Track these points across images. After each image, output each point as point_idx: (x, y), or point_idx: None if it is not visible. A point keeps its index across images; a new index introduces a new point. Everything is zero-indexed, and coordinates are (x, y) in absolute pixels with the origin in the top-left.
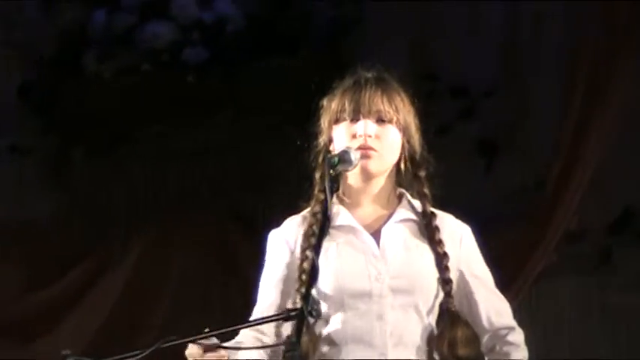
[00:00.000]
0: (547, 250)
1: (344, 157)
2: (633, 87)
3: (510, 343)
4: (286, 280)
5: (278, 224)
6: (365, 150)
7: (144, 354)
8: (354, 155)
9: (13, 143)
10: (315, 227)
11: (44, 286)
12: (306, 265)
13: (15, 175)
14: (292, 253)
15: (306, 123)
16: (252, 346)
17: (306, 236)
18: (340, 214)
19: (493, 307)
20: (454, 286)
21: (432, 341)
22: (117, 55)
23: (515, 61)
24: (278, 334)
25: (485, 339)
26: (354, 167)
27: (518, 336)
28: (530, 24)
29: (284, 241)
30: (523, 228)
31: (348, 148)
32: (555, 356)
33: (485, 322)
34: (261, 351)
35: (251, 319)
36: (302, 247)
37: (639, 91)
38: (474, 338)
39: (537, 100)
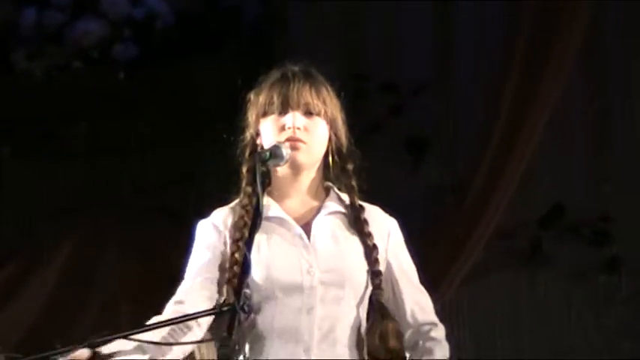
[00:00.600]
0: (475, 248)
1: (275, 152)
2: (564, 85)
3: (433, 339)
4: (212, 265)
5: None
6: (294, 142)
7: (74, 350)
8: (285, 150)
9: None
10: (246, 218)
11: None
12: (237, 256)
13: None
14: (220, 237)
15: (234, 118)
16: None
17: (237, 227)
18: (270, 206)
19: (417, 303)
20: (384, 279)
21: (362, 334)
22: (47, 53)
23: (445, 59)
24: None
25: (408, 334)
26: (285, 162)
27: (440, 332)
28: (462, 21)
29: (212, 227)
30: (450, 226)
31: (279, 142)
32: (487, 353)
33: (409, 318)
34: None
35: (172, 303)
36: (233, 238)
37: (570, 88)
38: (399, 331)
39: (467, 97)
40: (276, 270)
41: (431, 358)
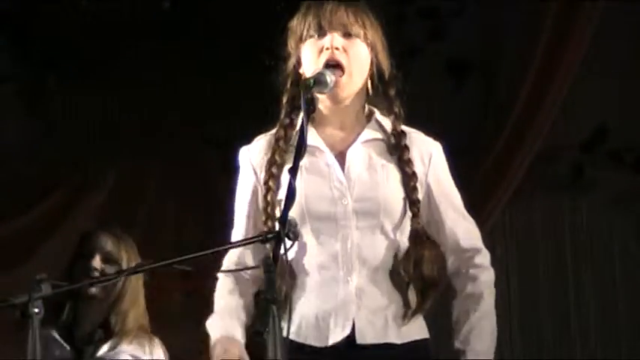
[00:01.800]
0: (518, 172)
1: (320, 79)
2: (607, 5)
3: (476, 266)
4: (256, 210)
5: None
6: (333, 63)
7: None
8: (330, 77)
9: None
10: (277, 155)
11: (20, 213)
12: (269, 197)
13: None
14: (257, 175)
15: (275, 46)
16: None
17: (269, 165)
18: (309, 134)
19: (460, 228)
20: (424, 204)
21: (399, 261)
22: None
23: None
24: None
25: (450, 260)
26: (330, 89)
27: (484, 258)
28: None
29: (250, 167)
30: (492, 149)
31: (323, 69)
32: (529, 275)
33: (451, 244)
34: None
35: (224, 265)
36: (264, 179)
37: (613, 10)
38: (440, 259)
39: (509, 19)
40: (309, 200)
41: (474, 286)
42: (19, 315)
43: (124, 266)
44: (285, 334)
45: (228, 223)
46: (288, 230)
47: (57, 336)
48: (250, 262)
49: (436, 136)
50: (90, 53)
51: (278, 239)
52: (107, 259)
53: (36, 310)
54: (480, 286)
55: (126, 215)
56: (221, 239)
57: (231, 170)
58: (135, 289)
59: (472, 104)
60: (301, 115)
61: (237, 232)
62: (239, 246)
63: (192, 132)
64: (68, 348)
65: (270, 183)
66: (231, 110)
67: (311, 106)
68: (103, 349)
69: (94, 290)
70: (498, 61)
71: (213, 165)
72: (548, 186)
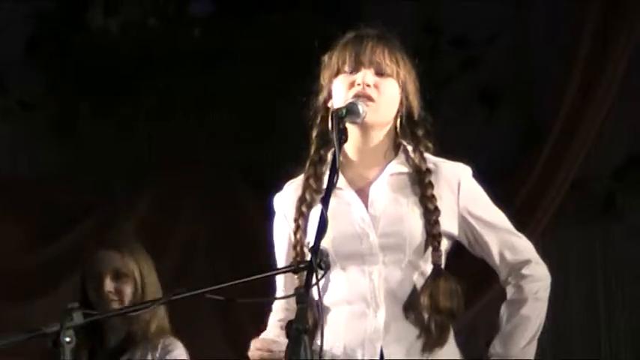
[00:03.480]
0: (554, 201)
1: (352, 109)
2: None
3: (523, 276)
4: (288, 248)
5: (284, 178)
6: (363, 97)
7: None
8: (362, 107)
9: (20, 99)
10: (307, 194)
11: (51, 241)
12: (298, 235)
13: (22, 131)
14: (287, 222)
15: (307, 78)
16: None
17: (299, 203)
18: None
19: (506, 245)
20: (463, 232)
21: (417, 294)
22: (123, 10)
23: (518, 10)
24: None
25: (501, 276)
26: (362, 119)
27: (533, 269)
28: None
29: (283, 217)
30: (528, 177)
31: (355, 99)
32: (561, 305)
33: (498, 261)
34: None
35: (274, 309)
36: (294, 217)
37: None
38: (456, 291)
39: (541, 48)
40: (335, 240)
41: (518, 294)
42: (50, 345)
43: (137, 276)
44: None
45: (259, 251)
46: (320, 260)
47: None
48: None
49: (470, 165)
50: (121, 81)
51: (310, 269)
52: (117, 275)
53: (67, 340)
54: (524, 293)
55: (157, 244)
56: (254, 268)
57: (262, 198)
58: (153, 294)
59: (507, 132)
60: (331, 150)
61: (279, 283)
62: (271, 275)
63: (223, 159)
64: None
65: (300, 221)
66: (263, 138)
67: (343, 136)
68: None
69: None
70: (531, 89)
71: (245, 192)
72: (580, 215)
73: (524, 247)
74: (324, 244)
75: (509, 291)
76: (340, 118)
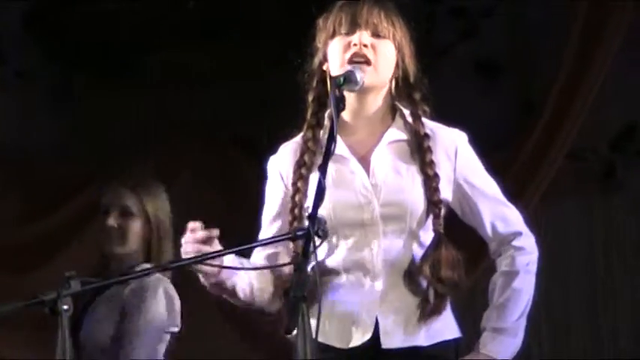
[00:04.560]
0: (550, 169)
1: (350, 77)
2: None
3: (514, 247)
4: (282, 209)
5: (278, 145)
6: (359, 59)
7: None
8: (360, 75)
9: (18, 70)
10: (306, 157)
11: (49, 213)
12: (297, 197)
13: (19, 103)
14: (284, 180)
15: (305, 45)
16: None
17: (298, 166)
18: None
19: (497, 215)
20: (455, 198)
21: (419, 263)
22: None
23: None
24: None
25: (492, 246)
26: (360, 87)
27: (523, 241)
28: None
29: (278, 175)
30: (524, 147)
31: (352, 70)
32: (559, 274)
33: (489, 231)
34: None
35: (253, 256)
36: (292, 180)
37: None
38: (458, 261)
39: (538, 19)
40: (336, 208)
41: (510, 265)
42: (48, 312)
43: (151, 217)
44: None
45: (255, 215)
46: (318, 228)
47: None
48: (279, 260)
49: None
50: (117, 54)
51: (308, 237)
52: (124, 212)
53: (65, 307)
54: (515, 266)
55: None
56: (249, 234)
57: (259, 168)
58: (168, 239)
59: (503, 103)
60: (327, 113)
61: (264, 235)
62: (269, 243)
63: (222, 131)
64: None
65: (299, 184)
66: (259, 107)
67: (341, 104)
68: None
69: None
70: (528, 59)
71: (242, 163)
72: (578, 184)
73: (515, 218)
74: (325, 211)
75: (501, 263)
76: (338, 86)
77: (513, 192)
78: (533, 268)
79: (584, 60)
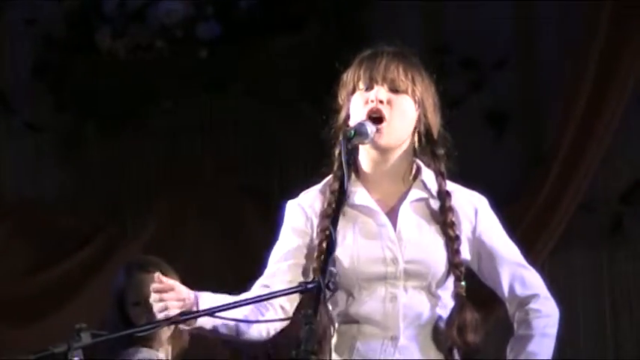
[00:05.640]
0: (561, 221)
1: (360, 130)
2: None
3: (533, 311)
4: (299, 250)
5: (288, 197)
6: (374, 116)
7: (156, 327)
8: (370, 128)
9: (28, 120)
10: (333, 206)
11: (57, 262)
12: (324, 245)
13: (29, 152)
14: (307, 222)
15: (317, 98)
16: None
17: (325, 215)
18: (357, 192)
19: (515, 278)
20: (474, 259)
21: (443, 326)
22: (131, 33)
23: (527, 31)
24: (284, 307)
25: (510, 309)
26: (370, 140)
27: (543, 303)
28: None
29: (300, 210)
30: (535, 199)
31: (363, 121)
32: (569, 328)
33: (507, 293)
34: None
35: (257, 285)
36: (321, 226)
37: None
38: (479, 324)
39: (549, 71)
40: (360, 261)
41: (526, 329)
42: None
43: None
44: None
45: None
46: (329, 281)
47: None
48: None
49: (477, 187)
50: (128, 103)
51: (318, 289)
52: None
53: (75, 359)
54: (532, 329)
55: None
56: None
57: (269, 219)
58: None
59: (513, 155)
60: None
61: (270, 269)
62: (280, 296)
63: (228, 180)
64: None
65: (328, 232)
66: (267, 158)
67: (352, 156)
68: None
69: None
70: (539, 112)
71: (250, 212)
72: (587, 237)
73: (534, 281)
74: (349, 260)
75: (517, 326)
76: (349, 140)
77: (524, 245)
78: (552, 331)
79: (595, 111)
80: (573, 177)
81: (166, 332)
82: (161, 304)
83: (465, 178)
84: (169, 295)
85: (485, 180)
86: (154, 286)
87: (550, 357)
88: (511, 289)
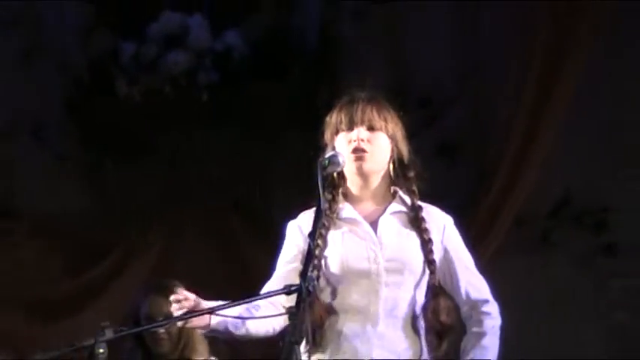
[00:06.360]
0: (498, 233)
1: (332, 160)
2: (574, 93)
3: (483, 313)
4: (296, 259)
5: (275, 214)
6: (359, 152)
7: (167, 323)
8: (341, 158)
9: (57, 151)
10: (325, 221)
11: (81, 271)
12: (317, 251)
13: (58, 178)
14: (303, 237)
15: (301, 129)
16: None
17: (319, 228)
18: (345, 208)
19: (471, 284)
20: (439, 265)
21: (418, 311)
22: (143, 80)
23: (470, 73)
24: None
25: (464, 309)
26: (341, 168)
27: (490, 307)
28: (484, 38)
29: (298, 228)
30: (478, 215)
31: (336, 152)
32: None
33: (463, 296)
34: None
35: (265, 288)
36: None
37: (584, 93)
38: (454, 308)
39: (491, 107)
40: (349, 260)
41: (479, 327)
42: (86, 356)
43: None
44: None
45: (251, 274)
46: (308, 285)
47: None
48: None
49: (433, 205)
50: (141, 138)
51: (300, 291)
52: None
53: (101, 351)
54: (483, 328)
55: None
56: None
57: (254, 232)
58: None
59: (462, 178)
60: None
61: (278, 272)
62: (269, 297)
63: (226, 202)
64: None
65: (319, 242)
66: (255, 182)
67: (326, 181)
68: None
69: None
70: (483, 142)
71: (239, 227)
72: (521, 246)
73: (484, 288)
74: (339, 259)
75: (471, 324)
76: (324, 168)
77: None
78: (498, 331)
79: (527, 143)
80: (510, 196)
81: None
82: (179, 311)
83: (423, 199)
84: (186, 303)
85: (438, 199)
86: (174, 297)
87: (497, 352)
88: (466, 293)
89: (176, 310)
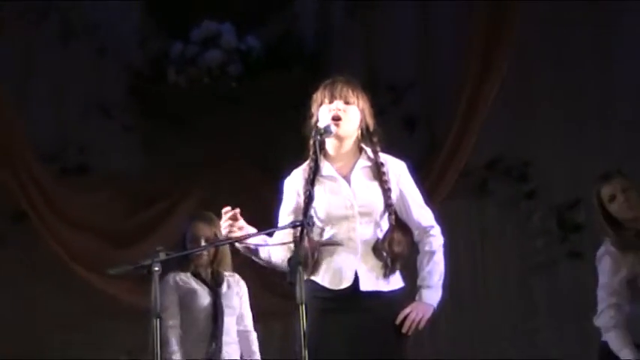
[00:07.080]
0: (447, 185)
1: (327, 129)
2: (507, 72)
3: (431, 235)
4: (293, 208)
5: (287, 172)
6: (336, 119)
7: (208, 247)
8: (333, 128)
9: (122, 123)
10: (311, 176)
11: (141, 212)
12: (306, 198)
13: (123, 145)
14: (295, 189)
15: (298, 108)
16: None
17: (306, 182)
18: (325, 167)
19: (421, 214)
20: (396, 203)
21: (381, 242)
22: (188, 71)
23: (427, 61)
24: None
25: (416, 234)
26: (333, 135)
27: (435, 231)
28: (441, 26)
29: (291, 184)
30: (430, 172)
31: (328, 125)
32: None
33: (416, 223)
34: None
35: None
36: (303, 189)
37: (510, 77)
38: (405, 240)
39: (441, 88)
40: (331, 207)
41: (430, 246)
42: (145, 272)
43: (218, 235)
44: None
45: (269, 215)
46: (308, 221)
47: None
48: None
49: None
50: (185, 115)
51: (302, 226)
52: (207, 240)
53: (156, 269)
54: (433, 246)
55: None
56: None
57: (273, 185)
58: (225, 250)
59: (420, 144)
60: (320, 151)
61: (281, 223)
62: (282, 229)
63: (247, 160)
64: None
65: (307, 192)
66: (270, 147)
67: (322, 144)
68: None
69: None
70: (435, 115)
71: (261, 182)
72: (463, 193)
73: (430, 216)
74: (323, 207)
75: (423, 245)
76: (320, 134)
77: (425, 197)
78: (442, 249)
79: (470, 115)
80: (455, 157)
81: (205, 258)
82: (227, 229)
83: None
84: (236, 223)
85: (403, 160)
86: (226, 214)
87: (443, 264)
88: (418, 221)
89: (226, 228)
